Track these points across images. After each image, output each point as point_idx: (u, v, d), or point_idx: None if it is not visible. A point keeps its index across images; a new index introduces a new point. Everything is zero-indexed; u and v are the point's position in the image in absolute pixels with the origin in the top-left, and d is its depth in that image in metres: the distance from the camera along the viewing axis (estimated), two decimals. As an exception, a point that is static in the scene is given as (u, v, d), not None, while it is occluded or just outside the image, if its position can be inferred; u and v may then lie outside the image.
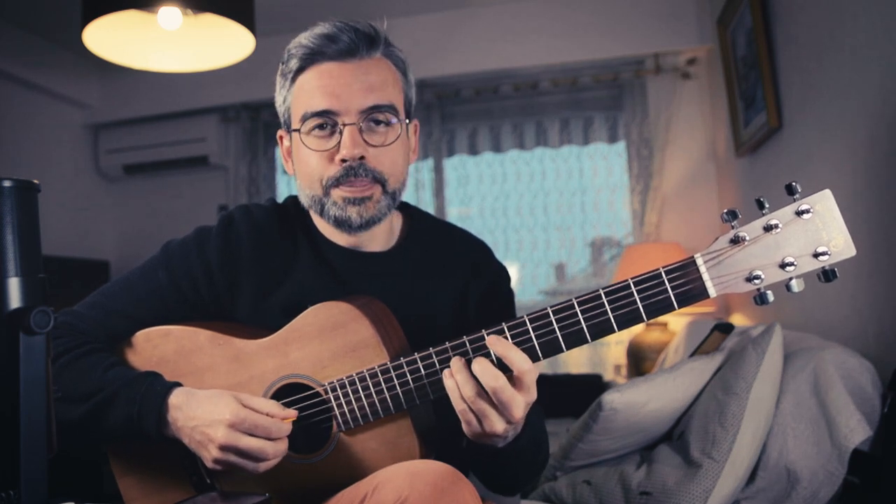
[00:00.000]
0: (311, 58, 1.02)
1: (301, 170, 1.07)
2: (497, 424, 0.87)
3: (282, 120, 1.11)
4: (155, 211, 3.90)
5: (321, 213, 1.06)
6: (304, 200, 1.09)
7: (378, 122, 1.03)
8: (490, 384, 0.85)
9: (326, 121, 1.01)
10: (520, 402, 0.86)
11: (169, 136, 3.76)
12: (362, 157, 1.01)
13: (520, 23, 3.28)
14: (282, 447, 0.93)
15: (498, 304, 1.16)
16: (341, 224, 1.05)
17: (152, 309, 1.08)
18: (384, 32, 1.05)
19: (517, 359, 0.86)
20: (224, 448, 0.91)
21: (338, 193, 1.03)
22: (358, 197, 1.02)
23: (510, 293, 1.19)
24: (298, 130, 1.03)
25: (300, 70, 1.03)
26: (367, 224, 1.04)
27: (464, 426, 0.90)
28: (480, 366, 0.86)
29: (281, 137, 1.14)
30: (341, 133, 1.01)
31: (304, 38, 1.03)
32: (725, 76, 2.67)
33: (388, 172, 1.04)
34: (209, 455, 0.92)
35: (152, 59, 2.23)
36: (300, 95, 1.04)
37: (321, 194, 1.04)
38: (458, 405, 0.88)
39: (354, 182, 1.01)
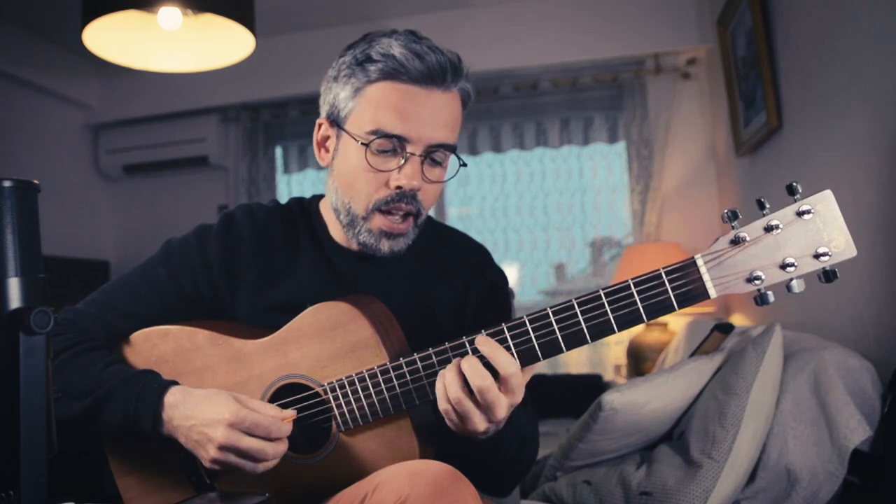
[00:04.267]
0: (395, 72, 0.99)
1: (346, 178, 1.05)
2: (479, 424, 0.88)
3: (329, 110, 1.07)
4: (155, 211, 3.90)
5: (348, 226, 1.07)
6: (335, 202, 1.08)
7: (438, 160, 1.05)
8: (477, 383, 0.85)
9: (395, 145, 1.01)
10: (504, 404, 0.87)
11: (169, 136, 3.76)
12: (416, 189, 1.02)
13: (520, 23, 3.28)
14: (281, 448, 0.93)
15: (496, 306, 1.16)
16: (368, 249, 1.06)
17: (152, 307, 1.08)
18: (467, 66, 1.05)
19: (503, 361, 0.86)
20: (223, 448, 0.90)
21: (377, 223, 1.04)
22: (394, 232, 1.04)
23: (507, 296, 1.20)
24: (366, 145, 1.00)
25: (379, 78, 1.00)
26: (395, 255, 1.07)
27: (447, 422, 0.91)
28: (469, 364, 0.86)
29: (321, 125, 1.10)
30: (405, 160, 1.01)
31: (393, 48, 1.00)
32: (725, 76, 2.67)
33: (427, 206, 1.06)
34: (207, 455, 0.92)
35: (152, 60, 2.23)
36: (372, 105, 1.01)
37: (361, 213, 1.04)
38: (442, 405, 0.89)
39: (401, 208, 1.02)
